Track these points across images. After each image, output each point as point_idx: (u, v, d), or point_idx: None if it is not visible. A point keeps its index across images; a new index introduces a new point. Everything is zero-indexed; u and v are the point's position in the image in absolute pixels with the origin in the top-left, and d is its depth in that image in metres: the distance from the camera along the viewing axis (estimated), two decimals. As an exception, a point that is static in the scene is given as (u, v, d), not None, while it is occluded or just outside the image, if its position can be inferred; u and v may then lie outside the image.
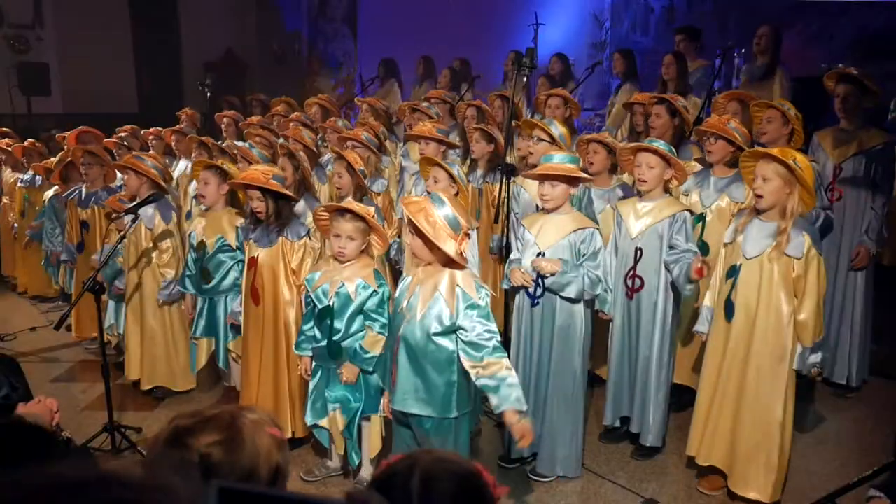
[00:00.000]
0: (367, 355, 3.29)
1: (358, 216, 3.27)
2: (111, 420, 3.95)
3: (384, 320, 3.30)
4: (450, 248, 2.72)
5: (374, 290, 3.31)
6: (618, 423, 3.91)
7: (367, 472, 3.56)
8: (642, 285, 3.69)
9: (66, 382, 5.01)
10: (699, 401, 3.47)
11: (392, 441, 3.23)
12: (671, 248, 3.61)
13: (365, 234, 3.31)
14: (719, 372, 3.34)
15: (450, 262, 2.79)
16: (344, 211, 3.30)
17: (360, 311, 3.32)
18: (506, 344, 4.01)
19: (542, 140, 4.19)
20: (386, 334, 3.25)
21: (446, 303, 2.79)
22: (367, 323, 3.33)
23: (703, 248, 3.83)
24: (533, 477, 3.63)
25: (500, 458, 3.75)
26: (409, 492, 1.29)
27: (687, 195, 4.07)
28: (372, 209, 3.43)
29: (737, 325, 3.26)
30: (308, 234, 3.86)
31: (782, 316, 3.17)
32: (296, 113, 6.52)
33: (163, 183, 4.55)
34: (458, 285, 2.79)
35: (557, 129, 4.19)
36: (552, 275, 3.39)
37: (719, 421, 3.34)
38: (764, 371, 3.20)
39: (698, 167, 4.29)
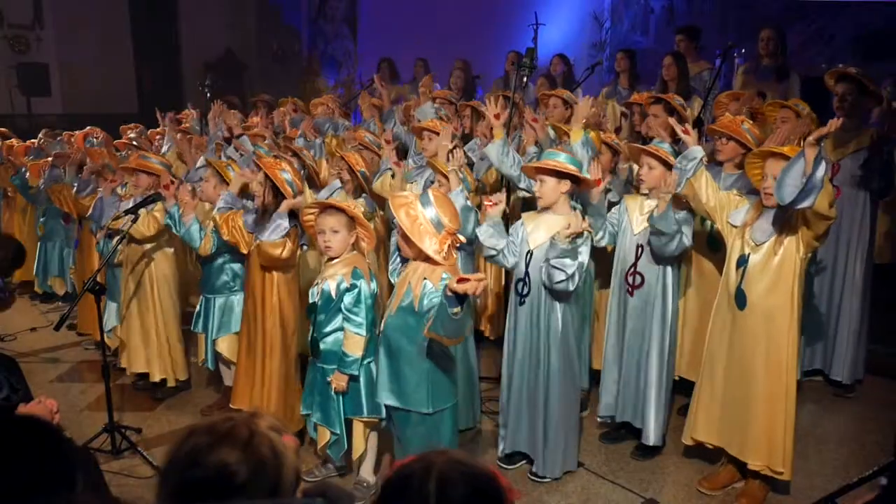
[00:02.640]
0: (349, 358, 3.22)
1: (336, 209, 3.27)
2: (111, 420, 3.95)
3: (360, 319, 3.21)
4: (427, 245, 2.79)
5: (347, 288, 3.23)
6: (615, 414, 3.89)
7: (366, 473, 3.55)
8: (643, 282, 3.70)
9: (66, 383, 5.01)
10: (703, 388, 3.45)
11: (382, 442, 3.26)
12: None
13: (349, 227, 3.27)
14: (728, 359, 3.34)
15: (428, 259, 2.84)
16: (323, 207, 3.32)
17: (338, 308, 3.28)
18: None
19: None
20: (364, 334, 3.21)
21: (415, 295, 2.86)
22: (343, 322, 3.26)
23: (714, 243, 3.81)
24: (533, 477, 3.63)
25: (499, 460, 3.75)
26: (425, 496, 1.28)
27: None
28: (351, 202, 3.41)
29: (749, 312, 3.25)
30: (287, 234, 3.70)
31: (789, 298, 3.18)
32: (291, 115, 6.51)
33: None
34: (425, 277, 2.85)
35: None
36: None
37: (739, 404, 3.32)
38: (773, 349, 3.22)
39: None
